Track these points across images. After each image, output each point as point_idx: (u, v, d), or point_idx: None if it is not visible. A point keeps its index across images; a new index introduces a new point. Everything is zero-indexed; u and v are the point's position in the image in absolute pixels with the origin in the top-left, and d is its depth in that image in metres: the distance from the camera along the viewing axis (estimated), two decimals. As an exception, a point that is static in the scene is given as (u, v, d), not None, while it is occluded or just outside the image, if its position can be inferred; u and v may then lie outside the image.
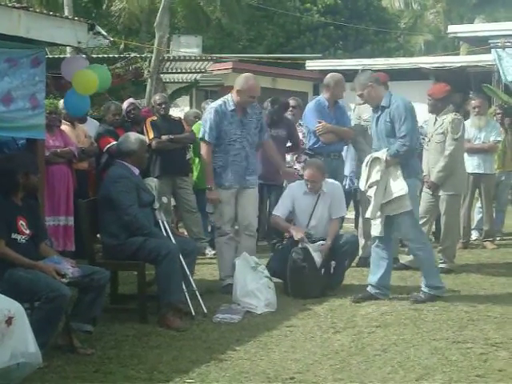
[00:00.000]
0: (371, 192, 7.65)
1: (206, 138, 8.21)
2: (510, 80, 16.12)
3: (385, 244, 7.78)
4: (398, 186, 7.49)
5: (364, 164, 7.77)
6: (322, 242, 8.06)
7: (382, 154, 7.58)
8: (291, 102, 10.63)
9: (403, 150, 7.53)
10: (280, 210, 8.44)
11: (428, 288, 7.69)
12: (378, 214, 7.65)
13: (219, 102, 8.36)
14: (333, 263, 8.19)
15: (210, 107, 8.46)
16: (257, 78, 8.45)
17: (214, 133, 8.17)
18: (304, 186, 8.38)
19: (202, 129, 8.43)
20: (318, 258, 7.86)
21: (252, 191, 8.41)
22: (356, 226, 10.89)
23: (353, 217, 11.55)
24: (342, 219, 8.29)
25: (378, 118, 7.76)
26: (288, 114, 10.50)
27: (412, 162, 7.74)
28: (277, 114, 10.40)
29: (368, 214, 7.78)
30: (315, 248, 7.93)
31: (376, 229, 7.76)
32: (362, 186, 7.80)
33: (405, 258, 9.31)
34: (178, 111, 14.42)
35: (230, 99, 8.25)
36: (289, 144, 10.59)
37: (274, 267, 8.04)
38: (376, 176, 7.57)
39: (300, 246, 7.97)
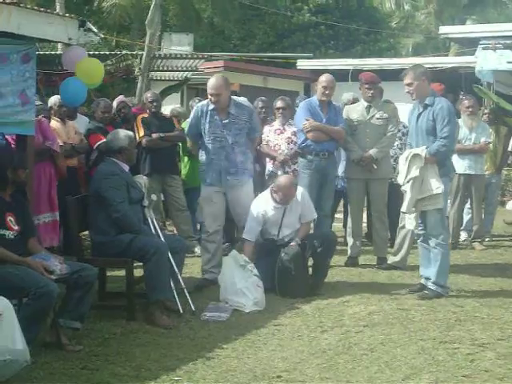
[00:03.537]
0: (407, 187, 7.79)
1: (187, 132, 8.77)
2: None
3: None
4: (436, 184, 7.70)
5: (403, 159, 7.89)
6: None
7: (422, 151, 7.75)
8: (279, 103, 10.27)
9: (443, 150, 7.77)
10: (250, 234, 8.14)
11: (436, 286, 7.82)
12: (413, 208, 7.81)
13: (205, 101, 8.52)
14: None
15: (196, 105, 8.71)
16: (226, 76, 8.64)
17: (193, 129, 8.48)
18: (270, 199, 8.17)
19: None
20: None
21: (239, 193, 8.33)
22: (345, 226, 10.91)
23: (342, 216, 11.55)
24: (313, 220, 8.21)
25: (419, 115, 7.93)
26: (278, 115, 10.31)
27: (448, 163, 7.96)
28: None
29: (404, 209, 7.91)
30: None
31: (411, 223, 7.89)
32: (401, 180, 7.92)
33: (392, 259, 9.33)
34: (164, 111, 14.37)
35: None
36: None
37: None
38: (415, 172, 7.74)
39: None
